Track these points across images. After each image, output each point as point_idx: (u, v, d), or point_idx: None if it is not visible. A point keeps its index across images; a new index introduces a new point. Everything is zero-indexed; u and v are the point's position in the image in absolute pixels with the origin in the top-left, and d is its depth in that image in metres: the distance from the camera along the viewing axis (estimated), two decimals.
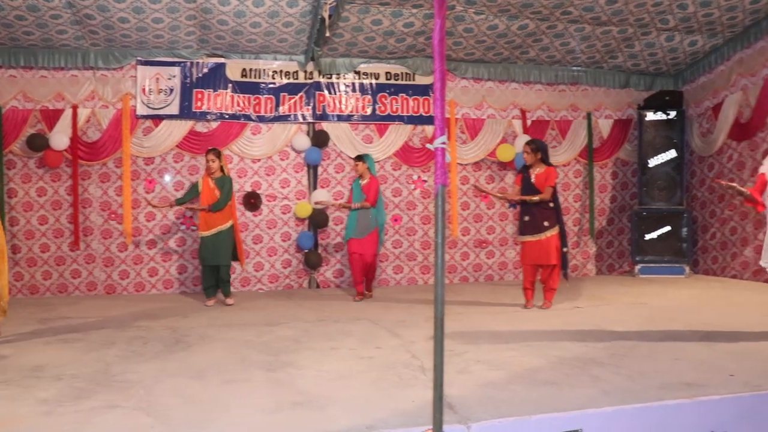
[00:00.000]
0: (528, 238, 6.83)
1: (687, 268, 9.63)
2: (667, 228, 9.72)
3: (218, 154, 7.48)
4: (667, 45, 9.16)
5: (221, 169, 7.49)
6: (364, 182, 7.84)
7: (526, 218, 6.84)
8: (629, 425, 3.28)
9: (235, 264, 7.99)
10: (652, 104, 9.91)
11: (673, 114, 9.79)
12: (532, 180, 6.79)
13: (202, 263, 7.61)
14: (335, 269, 9.30)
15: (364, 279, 7.94)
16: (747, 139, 8.92)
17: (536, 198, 6.68)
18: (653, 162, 9.85)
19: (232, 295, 7.74)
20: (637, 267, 9.81)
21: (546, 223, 6.74)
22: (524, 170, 6.94)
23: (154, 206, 7.97)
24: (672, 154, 9.79)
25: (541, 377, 3.97)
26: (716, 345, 4.87)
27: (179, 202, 7.61)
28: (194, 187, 7.58)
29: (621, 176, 10.38)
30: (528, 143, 6.92)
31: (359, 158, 7.96)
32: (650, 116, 9.86)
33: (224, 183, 7.45)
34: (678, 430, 3.35)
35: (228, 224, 7.46)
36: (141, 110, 8.69)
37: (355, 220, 7.83)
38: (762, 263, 5.23)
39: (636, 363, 4.31)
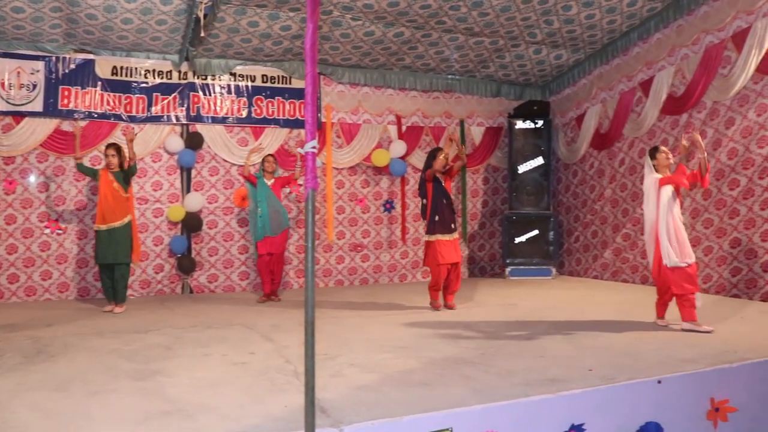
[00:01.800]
0: (443, 237, 6.91)
1: (554, 270, 10.10)
2: (536, 232, 10.16)
3: (119, 150, 7.17)
4: (535, 57, 9.61)
5: (121, 165, 7.19)
6: (271, 182, 7.94)
7: (437, 218, 6.94)
8: (497, 422, 3.40)
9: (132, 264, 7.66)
10: (522, 113, 10.35)
11: (540, 123, 10.27)
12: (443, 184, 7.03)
13: (97, 262, 7.20)
14: (209, 274, 9.10)
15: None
16: (606, 149, 9.50)
17: None
18: (522, 168, 10.28)
19: (124, 303, 7.32)
20: (508, 269, 10.19)
21: (453, 225, 6.96)
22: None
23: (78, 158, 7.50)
24: (540, 161, 10.26)
25: (414, 378, 4.04)
26: (578, 341, 5.14)
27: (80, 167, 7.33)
28: (95, 171, 7.28)
29: (492, 182, 10.76)
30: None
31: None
32: (520, 125, 10.29)
33: (123, 174, 7.20)
34: (543, 423, 3.50)
35: (126, 219, 7.17)
36: (0, 106, 8.16)
37: (269, 218, 7.78)
38: (670, 263, 5.55)
39: (504, 361, 4.47)
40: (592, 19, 8.40)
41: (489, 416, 3.38)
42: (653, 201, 5.64)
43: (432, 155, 7.05)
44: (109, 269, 7.17)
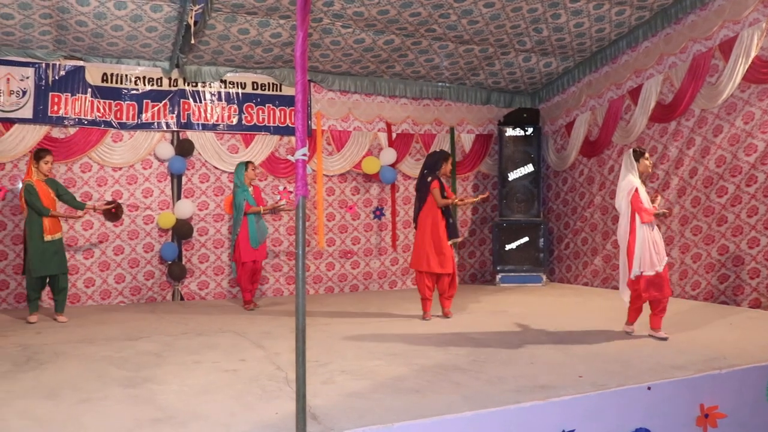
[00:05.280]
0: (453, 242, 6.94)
1: (544, 277, 10.13)
2: (526, 239, 10.19)
3: (51, 155, 7.13)
4: (524, 65, 9.66)
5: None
6: (251, 189, 8.02)
7: (451, 221, 6.97)
8: (488, 428, 3.41)
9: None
10: (511, 120, 10.39)
11: (530, 130, 10.30)
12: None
13: (35, 274, 6.90)
14: (200, 281, 9.07)
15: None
16: (596, 156, 9.55)
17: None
18: (512, 176, 10.31)
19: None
20: (498, 276, 10.21)
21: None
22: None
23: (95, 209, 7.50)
24: (530, 168, 10.29)
25: (405, 385, 4.05)
26: (568, 348, 5.17)
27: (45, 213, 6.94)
28: (35, 190, 6.88)
29: (482, 189, 10.78)
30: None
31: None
32: (510, 132, 10.33)
33: (56, 183, 7.17)
34: (533, 430, 3.52)
35: (62, 230, 7.18)
36: None
37: (255, 228, 7.84)
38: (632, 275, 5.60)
39: (495, 368, 4.49)
40: (581, 28, 8.46)
41: (480, 423, 3.39)
42: (626, 210, 5.64)
43: (443, 158, 7.02)
44: (45, 279, 7.08)
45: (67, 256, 8.27)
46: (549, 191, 10.75)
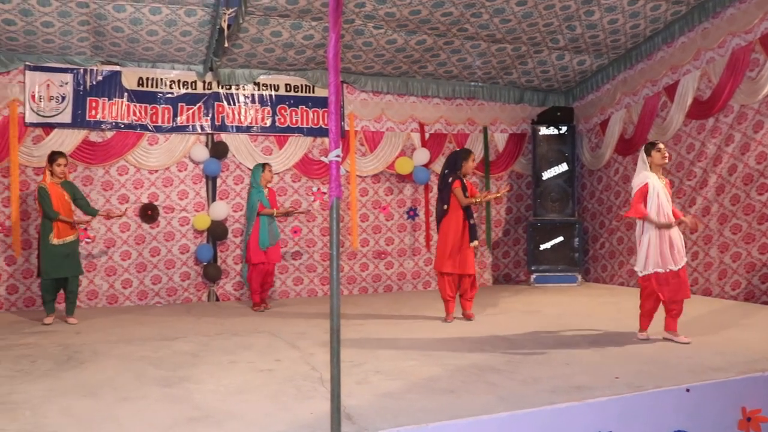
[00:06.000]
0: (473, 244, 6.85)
1: (579, 277, 10.03)
2: (560, 238, 10.10)
3: (65, 157, 7.22)
4: (558, 63, 9.57)
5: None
6: (265, 192, 8.07)
7: (472, 222, 6.91)
8: (523, 429, 3.39)
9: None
10: (545, 119, 10.31)
11: (564, 129, 10.21)
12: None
13: (49, 275, 7.00)
14: (235, 282, 9.15)
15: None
16: (631, 154, 9.41)
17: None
18: (546, 175, 10.23)
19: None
20: (533, 276, 10.14)
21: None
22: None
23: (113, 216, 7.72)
24: (564, 167, 10.20)
25: (439, 386, 4.04)
26: (604, 349, 5.11)
27: (56, 215, 6.98)
28: (47, 194, 6.96)
29: (516, 188, 10.72)
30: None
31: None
32: (543, 131, 10.25)
33: (73, 186, 7.24)
34: (568, 431, 3.49)
35: (77, 233, 7.27)
36: (30, 118, 8.28)
37: (267, 230, 7.90)
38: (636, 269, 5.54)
39: (530, 369, 4.46)
40: (615, 24, 8.35)
41: (515, 424, 3.37)
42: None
43: (463, 156, 6.94)
44: (61, 282, 7.11)
45: (105, 258, 8.48)
46: (584, 190, 10.63)
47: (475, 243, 6.84)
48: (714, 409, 3.82)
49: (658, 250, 5.38)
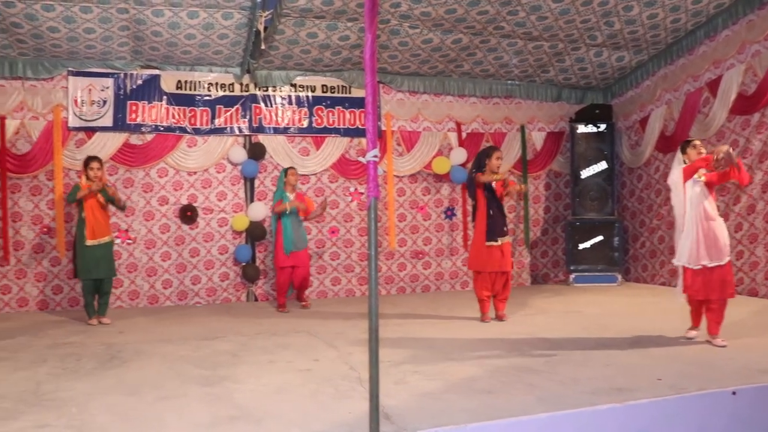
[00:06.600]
0: (491, 243, 6.71)
1: (619, 277, 9.89)
2: (600, 238, 9.96)
3: (102, 163, 7.34)
4: (596, 60, 9.45)
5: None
6: (292, 196, 8.09)
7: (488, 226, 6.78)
8: (563, 431, 3.35)
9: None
10: (583, 117, 10.18)
11: (603, 127, 10.07)
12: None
13: (80, 275, 7.18)
14: (273, 282, 9.21)
15: (288, 291, 8.21)
16: (672, 151, 9.20)
17: None
18: (585, 173, 10.10)
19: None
20: (572, 276, 10.02)
21: (504, 229, 6.82)
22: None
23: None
24: (603, 165, 10.06)
25: (478, 386, 4.02)
26: (645, 350, 5.03)
27: (70, 199, 7.20)
28: (78, 186, 7.16)
29: (554, 187, 10.61)
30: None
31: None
32: (581, 129, 10.12)
33: (105, 192, 7.21)
34: None
35: (113, 235, 7.40)
36: (73, 122, 8.46)
37: (291, 233, 7.93)
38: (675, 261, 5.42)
39: (569, 370, 4.41)
40: (655, 19, 8.21)
41: (555, 425, 3.33)
42: (680, 196, 5.39)
43: (487, 154, 6.85)
44: (97, 283, 7.18)
45: (145, 258, 8.61)
46: (623, 189, 10.47)
47: (491, 243, 6.69)
48: (762, 414, 3.72)
49: (695, 244, 5.23)
